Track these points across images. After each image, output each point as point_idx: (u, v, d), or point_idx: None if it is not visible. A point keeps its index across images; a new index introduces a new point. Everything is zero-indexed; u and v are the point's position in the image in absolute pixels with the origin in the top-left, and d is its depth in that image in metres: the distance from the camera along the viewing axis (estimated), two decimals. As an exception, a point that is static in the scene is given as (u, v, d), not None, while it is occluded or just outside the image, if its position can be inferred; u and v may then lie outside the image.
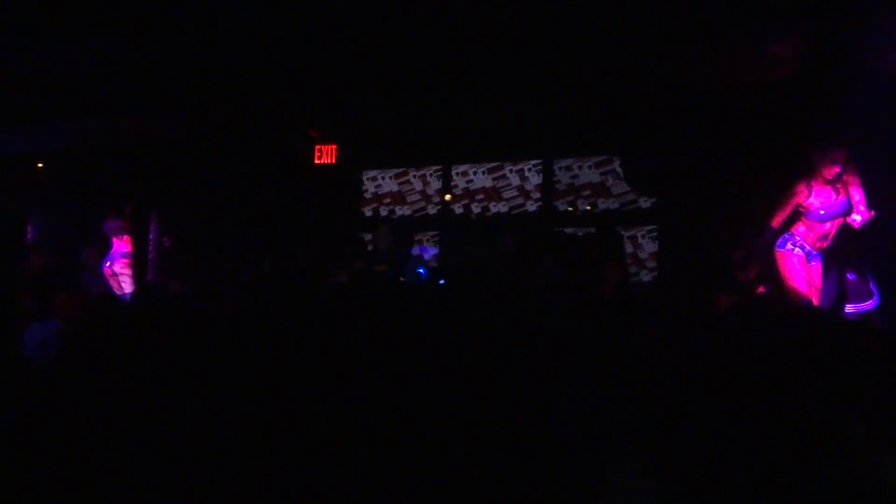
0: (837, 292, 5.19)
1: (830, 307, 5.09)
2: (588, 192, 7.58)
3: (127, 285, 7.33)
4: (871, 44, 4.49)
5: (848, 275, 5.22)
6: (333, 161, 7.66)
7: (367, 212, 8.62)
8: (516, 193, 7.95)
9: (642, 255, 7.29)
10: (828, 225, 5.12)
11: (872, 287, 5.16)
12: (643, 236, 7.32)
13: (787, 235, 5.22)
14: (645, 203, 7.30)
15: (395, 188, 8.54)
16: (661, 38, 5.00)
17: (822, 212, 5.06)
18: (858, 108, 4.59)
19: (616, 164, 7.35)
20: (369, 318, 3.06)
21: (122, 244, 7.45)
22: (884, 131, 4.71)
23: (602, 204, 7.52)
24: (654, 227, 7.21)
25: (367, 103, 6.89)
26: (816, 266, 5.21)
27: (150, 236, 8.64)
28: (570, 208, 7.65)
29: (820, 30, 4.58)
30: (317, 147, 7.75)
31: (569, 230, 7.48)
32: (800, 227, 5.19)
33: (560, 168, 7.73)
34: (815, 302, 5.10)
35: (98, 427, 2.21)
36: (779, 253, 5.22)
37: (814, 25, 4.59)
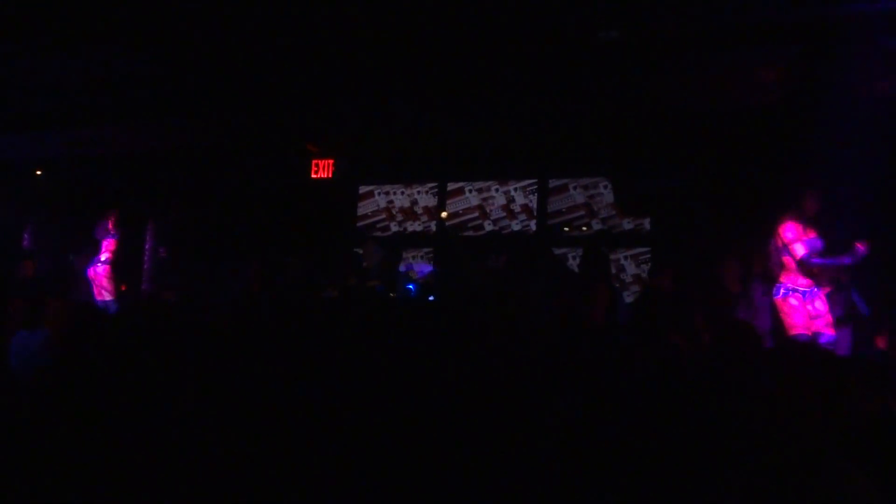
0: (846, 313, 5.20)
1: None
2: (579, 213, 7.64)
3: (107, 292, 7.27)
4: (857, 69, 4.53)
5: (853, 295, 5.27)
6: (330, 176, 7.70)
7: (361, 227, 8.65)
8: (506, 213, 8.00)
9: (625, 277, 7.34)
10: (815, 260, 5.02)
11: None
12: (626, 258, 7.37)
13: (777, 284, 5.13)
14: (629, 225, 7.36)
15: (385, 204, 8.59)
16: (651, 62, 5.08)
17: (803, 251, 4.96)
18: (844, 131, 4.61)
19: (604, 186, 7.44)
20: (358, 333, 3.09)
21: (108, 249, 7.45)
22: (868, 154, 4.72)
23: (592, 225, 7.58)
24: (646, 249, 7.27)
25: (365, 119, 6.95)
26: (820, 299, 5.10)
27: (146, 245, 8.66)
28: (567, 228, 7.69)
29: (806, 55, 4.64)
30: (314, 161, 7.79)
31: (560, 250, 7.51)
32: (786, 272, 5.10)
33: (553, 188, 7.79)
34: (831, 331, 5.03)
35: (87, 436, 2.23)
36: (776, 301, 5.15)
37: (800, 50, 4.65)
